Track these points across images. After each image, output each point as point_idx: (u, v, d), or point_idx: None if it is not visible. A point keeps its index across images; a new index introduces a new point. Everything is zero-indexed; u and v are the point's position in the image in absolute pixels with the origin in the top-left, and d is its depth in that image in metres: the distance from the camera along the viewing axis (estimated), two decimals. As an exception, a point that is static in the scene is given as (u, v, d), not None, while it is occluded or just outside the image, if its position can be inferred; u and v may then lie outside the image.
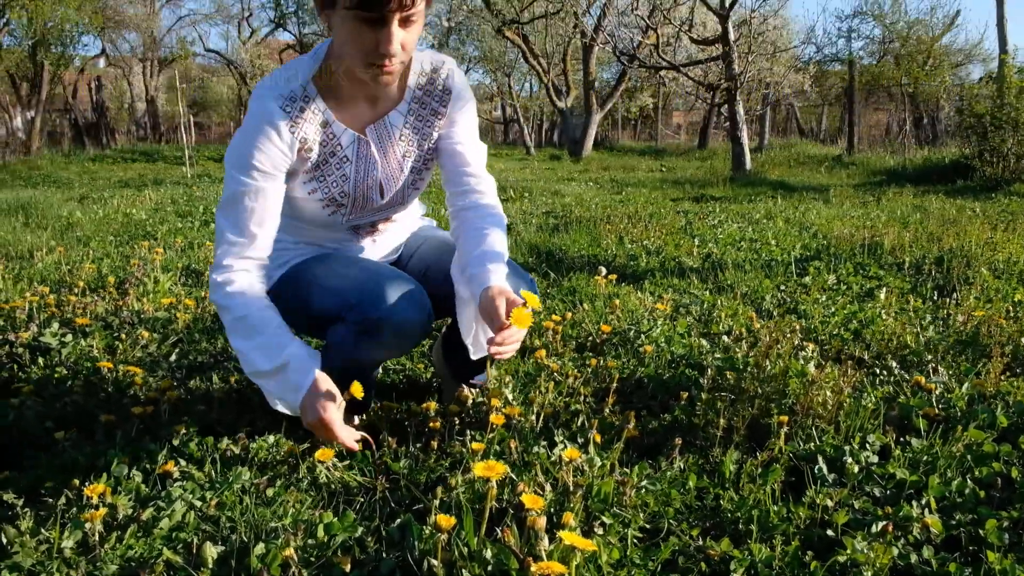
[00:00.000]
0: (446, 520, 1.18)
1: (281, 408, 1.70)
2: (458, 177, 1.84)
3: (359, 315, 1.64)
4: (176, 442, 1.83)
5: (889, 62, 24.07)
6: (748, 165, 10.73)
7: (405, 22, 1.48)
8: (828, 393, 1.74)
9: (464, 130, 1.85)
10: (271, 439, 1.88)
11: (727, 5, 10.18)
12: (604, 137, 23.54)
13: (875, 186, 9.91)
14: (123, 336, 2.80)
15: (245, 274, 1.66)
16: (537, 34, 17.95)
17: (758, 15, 10.51)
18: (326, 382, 1.58)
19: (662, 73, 13.72)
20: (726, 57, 10.25)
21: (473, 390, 2.01)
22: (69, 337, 2.75)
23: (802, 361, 1.98)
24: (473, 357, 1.84)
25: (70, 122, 20.58)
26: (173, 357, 2.67)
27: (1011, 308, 2.92)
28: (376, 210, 1.86)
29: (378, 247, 1.99)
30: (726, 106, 10.97)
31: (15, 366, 2.56)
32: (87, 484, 1.63)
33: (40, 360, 2.59)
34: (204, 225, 5.62)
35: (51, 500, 1.58)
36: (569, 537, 1.11)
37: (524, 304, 1.56)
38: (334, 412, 1.55)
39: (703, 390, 1.88)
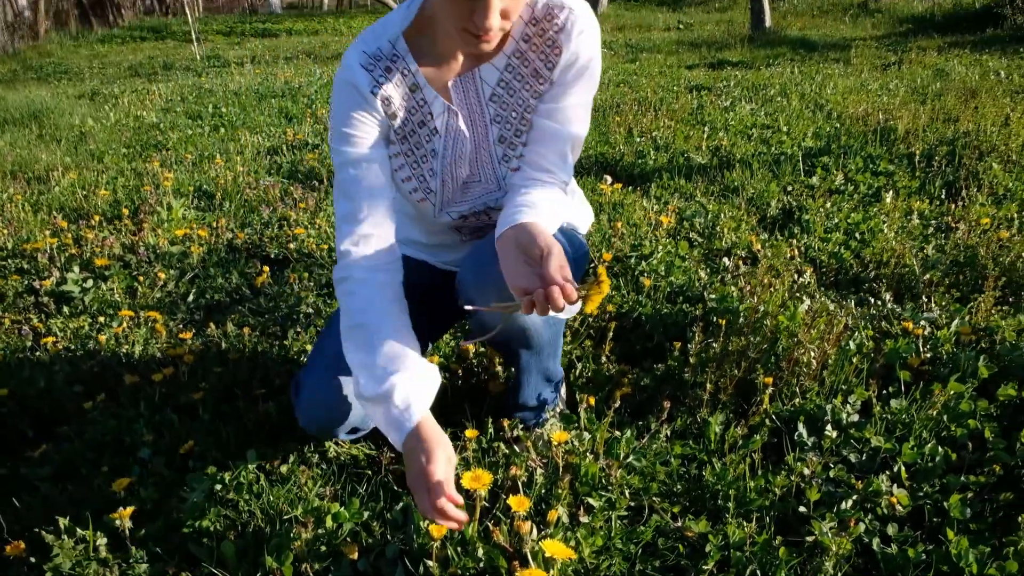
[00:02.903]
0: (437, 530, 1.28)
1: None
2: (535, 154, 1.50)
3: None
4: (198, 410, 1.96)
5: None
6: (768, 21, 10.31)
7: None
8: (812, 352, 1.80)
9: (568, 104, 1.46)
10: (284, 399, 2.00)
11: None
12: (621, -14, 22.51)
13: (900, 37, 9.57)
14: (140, 278, 2.90)
15: (368, 265, 1.45)
16: None
17: None
18: (432, 429, 1.34)
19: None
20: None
21: (473, 343, 2.09)
22: (90, 282, 2.85)
23: (794, 303, 2.03)
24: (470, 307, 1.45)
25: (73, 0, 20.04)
26: (190, 297, 2.78)
27: (1018, 211, 2.90)
28: (465, 189, 1.55)
29: None
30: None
31: (42, 315, 2.68)
32: (116, 462, 1.78)
33: (64, 309, 2.71)
34: (214, 131, 5.61)
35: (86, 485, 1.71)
36: (551, 548, 1.21)
37: (597, 281, 1.23)
38: (439, 469, 1.28)
39: (695, 342, 1.94)
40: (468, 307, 1.42)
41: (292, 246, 3.11)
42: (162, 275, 2.88)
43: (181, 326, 2.57)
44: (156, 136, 5.50)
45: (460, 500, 1.26)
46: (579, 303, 1.20)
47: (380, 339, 1.39)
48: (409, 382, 1.36)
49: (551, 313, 1.19)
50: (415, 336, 1.45)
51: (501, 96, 1.46)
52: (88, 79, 10.14)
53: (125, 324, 2.51)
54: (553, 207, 1.42)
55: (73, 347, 2.42)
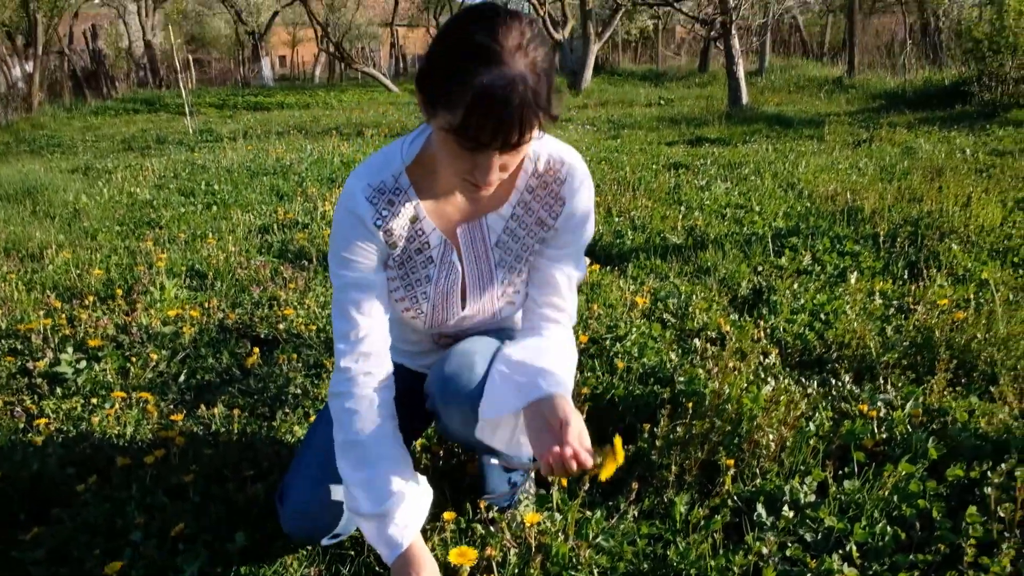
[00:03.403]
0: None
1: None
2: (542, 292, 1.66)
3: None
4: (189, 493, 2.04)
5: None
6: (744, 99, 10.69)
7: (511, 149, 1.30)
8: (771, 435, 1.92)
9: (570, 248, 1.64)
10: (272, 479, 2.09)
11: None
12: (605, 61, 23.19)
13: (873, 113, 9.89)
14: (133, 358, 2.99)
15: (365, 382, 1.54)
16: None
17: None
18: (422, 552, 1.49)
19: (658, 8, 13.52)
20: (720, -10, 10.13)
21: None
22: (83, 363, 2.93)
23: (756, 386, 2.15)
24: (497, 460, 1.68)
25: (68, 72, 20.43)
26: (182, 378, 2.87)
27: (975, 291, 3.05)
28: (460, 320, 1.67)
29: None
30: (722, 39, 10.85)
31: (35, 396, 2.76)
32: (108, 545, 1.85)
33: (58, 390, 2.79)
34: (207, 208, 5.75)
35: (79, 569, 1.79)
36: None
37: (612, 451, 1.34)
38: None
39: (662, 425, 2.05)
40: (493, 460, 1.60)
41: (281, 327, 3.22)
42: (154, 356, 2.97)
43: (172, 407, 2.66)
44: (149, 213, 5.64)
45: None
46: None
47: (378, 458, 1.51)
48: (407, 503, 1.49)
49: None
50: (407, 449, 1.57)
51: (506, 243, 1.59)
52: (81, 152, 10.33)
53: (117, 405, 2.59)
54: (568, 362, 1.58)
55: (66, 429, 2.50)
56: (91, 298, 3.63)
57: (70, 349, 3.04)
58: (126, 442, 2.40)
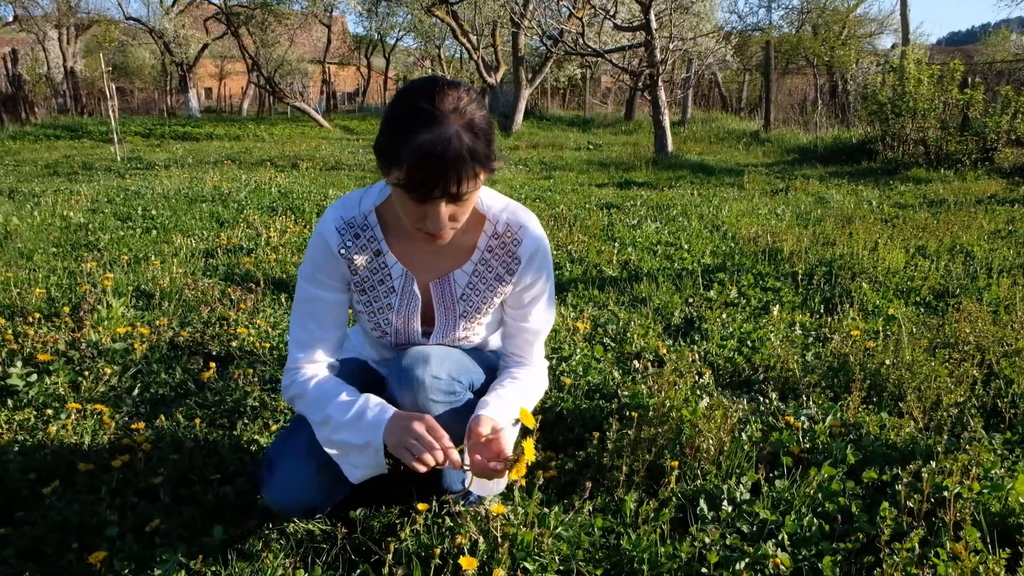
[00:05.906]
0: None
1: (362, 472, 1.72)
2: (509, 345, 1.91)
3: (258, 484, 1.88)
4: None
5: (807, 32, 24.89)
6: (670, 147, 11.18)
7: (455, 200, 1.50)
8: (711, 440, 2.12)
9: (527, 306, 1.85)
10: (239, 482, 2.18)
11: (649, -8, 10.51)
12: (534, 106, 23.77)
13: (788, 166, 10.45)
14: (85, 372, 3.02)
15: (314, 367, 1.78)
16: (466, 9, 18.04)
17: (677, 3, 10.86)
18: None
19: (587, 58, 14.03)
20: (647, 45, 10.61)
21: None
22: (34, 377, 2.95)
23: (695, 399, 2.35)
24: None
25: (-15, 96, 19.83)
26: (135, 391, 2.91)
27: (883, 325, 3.35)
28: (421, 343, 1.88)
29: None
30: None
31: (-15, 407, 2.77)
32: (84, 541, 1.91)
33: (9, 402, 2.80)
34: (146, 232, 5.75)
35: (55, 563, 1.85)
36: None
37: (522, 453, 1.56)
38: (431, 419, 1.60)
39: (612, 431, 2.23)
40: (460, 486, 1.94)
41: (234, 344, 3.29)
42: (107, 370, 3.01)
43: (128, 419, 2.71)
44: (86, 236, 5.61)
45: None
46: (504, 477, 1.61)
47: (339, 389, 1.73)
48: (375, 397, 1.69)
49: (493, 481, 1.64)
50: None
51: (469, 296, 1.82)
52: (2, 176, 10.08)
53: (73, 416, 2.63)
54: (517, 393, 1.80)
55: (21, 438, 2.52)
56: (36, 315, 3.62)
57: (19, 363, 3.05)
58: (86, 449, 2.44)
